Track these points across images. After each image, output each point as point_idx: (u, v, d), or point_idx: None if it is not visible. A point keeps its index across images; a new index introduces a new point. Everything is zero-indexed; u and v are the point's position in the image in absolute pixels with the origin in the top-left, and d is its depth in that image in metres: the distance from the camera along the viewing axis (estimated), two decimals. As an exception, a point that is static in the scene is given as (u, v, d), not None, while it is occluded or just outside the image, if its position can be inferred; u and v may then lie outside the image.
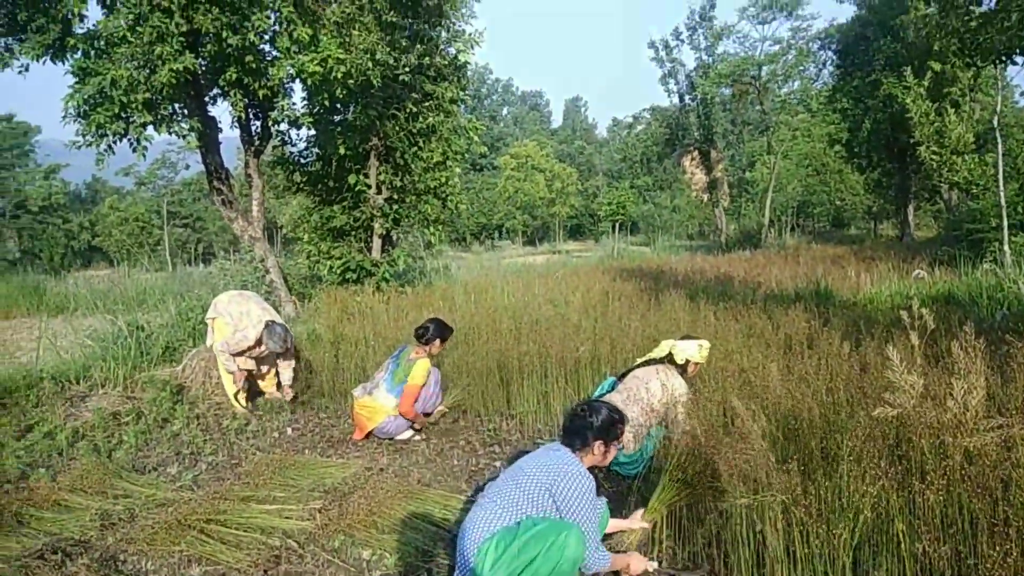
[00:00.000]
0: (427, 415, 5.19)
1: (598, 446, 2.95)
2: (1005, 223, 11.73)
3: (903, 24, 19.79)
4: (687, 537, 3.19)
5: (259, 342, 5.58)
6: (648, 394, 4.11)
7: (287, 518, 3.61)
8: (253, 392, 5.91)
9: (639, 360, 4.46)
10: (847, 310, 7.33)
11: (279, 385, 6.00)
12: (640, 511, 3.31)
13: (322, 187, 11.29)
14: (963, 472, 2.41)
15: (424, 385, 4.95)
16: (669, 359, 4.32)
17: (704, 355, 4.39)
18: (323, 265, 10.72)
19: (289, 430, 5.28)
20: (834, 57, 25.70)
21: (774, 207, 34.31)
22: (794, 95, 30.63)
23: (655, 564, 3.05)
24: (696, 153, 30.99)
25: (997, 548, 2.03)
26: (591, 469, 2.98)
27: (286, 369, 5.89)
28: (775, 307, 7.00)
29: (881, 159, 23.30)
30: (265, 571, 3.15)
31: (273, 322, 5.65)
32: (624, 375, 4.45)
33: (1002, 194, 11.94)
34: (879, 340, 4.30)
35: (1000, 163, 12.02)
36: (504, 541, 2.57)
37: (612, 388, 4.39)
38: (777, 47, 29.63)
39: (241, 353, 5.60)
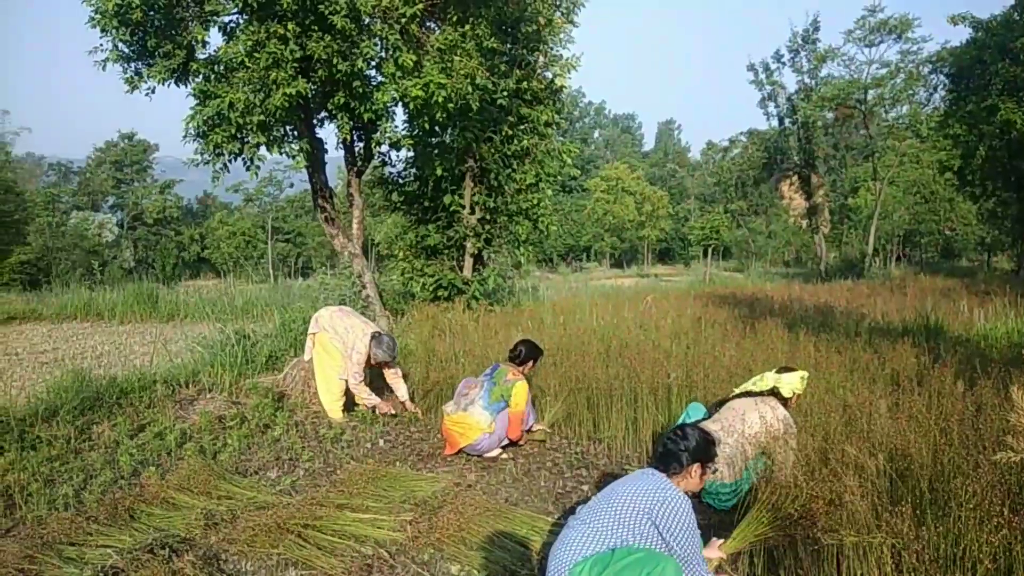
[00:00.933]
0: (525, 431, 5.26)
1: (695, 469, 2.90)
2: None
3: (1022, 47, 18.65)
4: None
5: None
6: (744, 425, 4.00)
7: (379, 528, 3.69)
8: (348, 403, 6.08)
9: (736, 391, 4.35)
10: (960, 346, 6.91)
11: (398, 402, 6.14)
12: (720, 541, 3.22)
13: (418, 207, 11.60)
14: (1097, 527, 2.23)
15: (527, 408, 5.07)
16: (773, 392, 4.20)
17: (804, 386, 4.25)
18: (416, 282, 10.98)
19: (381, 442, 5.40)
20: (946, 81, 24.45)
21: (879, 235, 32.81)
22: (902, 120, 29.30)
23: None
24: (795, 178, 30.07)
25: None
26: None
27: (398, 382, 6.00)
28: (881, 340, 6.69)
29: (996, 188, 21.98)
30: (358, 579, 3.23)
31: (380, 332, 5.86)
32: (719, 404, 4.35)
33: None
34: (996, 379, 4.04)
35: None
36: (598, 567, 2.54)
37: (706, 416, 4.31)
38: (885, 70, 28.44)
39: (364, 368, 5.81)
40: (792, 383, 4.18)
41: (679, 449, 2.91)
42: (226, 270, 40.88)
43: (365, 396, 5.83)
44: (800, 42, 29.41)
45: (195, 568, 3.21)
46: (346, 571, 3.27)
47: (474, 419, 4.91)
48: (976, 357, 5.85)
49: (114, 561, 3.28)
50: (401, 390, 6.00)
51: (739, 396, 4.27)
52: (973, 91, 21.54)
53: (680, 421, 4.36)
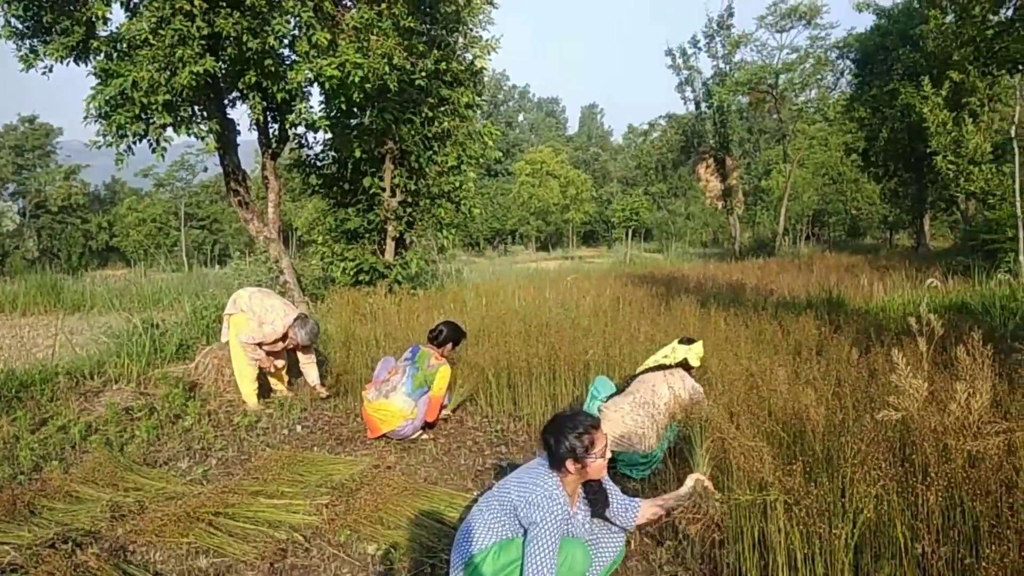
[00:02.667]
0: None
1: (570, 464, 2.61)
2: (1021, 234, 11.64)
3: (922, 34, 19.70)
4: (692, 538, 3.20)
5: (285, 336, 5.66)
6: (656, 397, 4.13)
7: (294, 513, 3.65)
8: (263, 389, 5.96)
9: (648, 363, 4.48)
10: (858, 318, 7.30)
11: (310, 386, 6.03)
12: (693, 475, 2.99)
13: (337, 190, 11.39)
14: (965, 475, 2.42)
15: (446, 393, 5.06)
16: (682, 363, 4.37)
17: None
18: (336, 267, 10.80)
19: (299, 427, 5.33)
20: (852, 66, 25.63)
21: (789, 215, 34.18)
22: (811, 104, 30.56)
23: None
24: (711, 160, 30.97)
25: (996, 549, 2.03)
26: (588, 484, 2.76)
27: (311, 368, 5.90)
28: (786, 314, 6.99)
29: (898, 169, 23.19)
30: (271, 564, 3.19)
31: (306, 315, 5.77)
32: (632, 378, 4.48)
33: (1018, 205, 11.85)
34: (888, 347, 4.30)
35: (1017, 174, 11.93)
36: (485, 559, 2.57)
37: (616, 390, 4.42)
38: (795, 56, 29.57)
39: (263, 345, 5.68)
40: (698, 352, 4.38)
41: (549, 444, 2.67)
42: (136, 259, 39.20)
43: (250, 351, 5.61)
44: (715, 28, 30.22)
45: (100, 561, 3.10)
46: (259, 556, 3.22)
47: (396, 406, 4.83)
48: (872, 327, 6.20)
49: (12, 558, 3.14)
50: (312, 375, 5.90)
51: (651, 369, 4.40)
52: (877, 76, 22.64)
53: (589, 396, 4.44)
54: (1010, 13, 7.54)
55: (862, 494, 2.41)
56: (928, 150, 17.83)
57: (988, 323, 7.30)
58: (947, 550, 2.34)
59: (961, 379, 2.75)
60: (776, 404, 3.43)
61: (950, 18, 15.88)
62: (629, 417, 4.08)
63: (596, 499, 2.77)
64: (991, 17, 7.87)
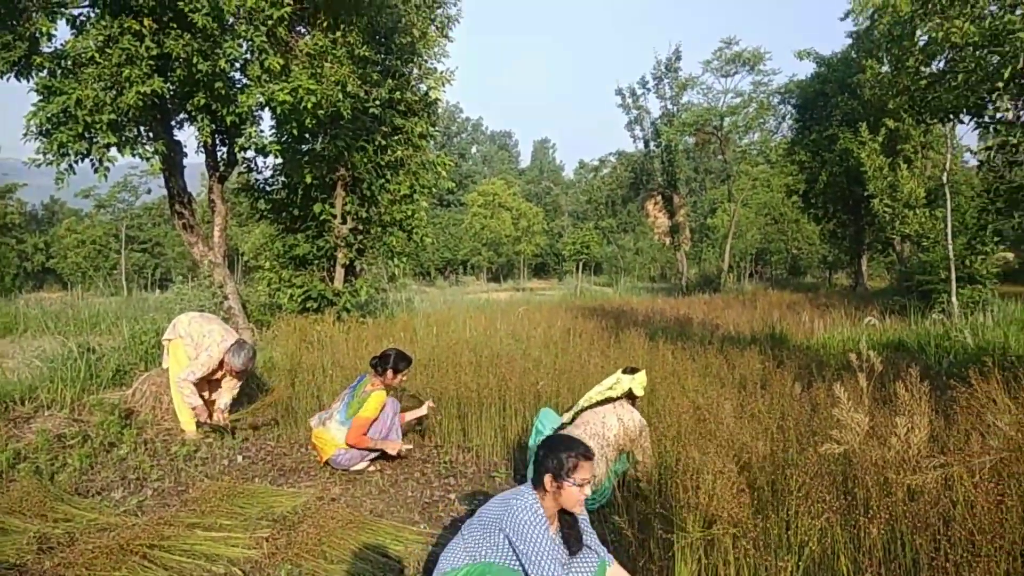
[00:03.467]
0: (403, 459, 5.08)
1: (547, 480, 2.69)
2: (953, 275, 12.14)
3: (859, 82, 20.62)
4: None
5: (221, 363, 5.49)
6: (605, 429, 4.14)
7: (233, 546, 3.52)
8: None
9: (592, 395, 4.46)
10: (800, 353, 7.49)
11: (214, 408, 5.78)
12: None
13: (286, 215, 11.23)
14: (905, 508, 2.48)
15: (375, 419, 4.82)
16: (628, 394, 4.38)
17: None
18: (284, 293, 10.61)
19: (239, 458, 5.16)
20: (793, 111, 26.59)
21: (733, 253, 35.03)
22: (754, 146, 31.61)
23: None
24: (659, 198, 31.62)
25: (935, 582, 2.08)
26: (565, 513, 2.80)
27: (228, 392, 5.69)
28: (731, 348, 7.12)
29: (836, 210, 24.04)
30: (208, 600, 3.06)
31: (243, 341, 5.58)
32: (579, 411, 4.47)
33: (950, 248, 12.38)
34: (829, 382, 4.41)
35: (949, 218, 12.48)
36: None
37: (565, 422, 4.42)
38: (739, 100, 30.60)
39: (204, 378, 5.48)
40: (642, 381, 4.39)
41: (535, 461, 2.78)
42: (74, 281, 37.80)
43: (188, 394, 5.36)
44: (663, 70, 31.07)
45: (23, 598, 2.93)
46: (195, 592, 3.09)
47: (330, 434, 4.77)
48: (814, 363, 6.36)
49: (-76, 596, 2.94)
50: (224, 398, 5.67)
51: (598, 404, 4.40)
52: (816, 121, 23.55)
53: (534, 429, 4.42)
54: (942, 65, 7.96)
55: (807, 527, 2.45)
56: (865, 193, 18.54)
57: (924, 361, 7.57)
58: (889, 582, 2.38)
59: (900, 414, 2.83)
60: (722, 436, 3.47)
61: (886, 68, 16.69)
62: None
63: (570, 535, 2.77)
64: (924, 69, 8.30)
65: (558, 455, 2.68)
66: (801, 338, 9.72)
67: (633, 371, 4.46)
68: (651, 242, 42.75)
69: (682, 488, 3.30)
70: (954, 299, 11.90)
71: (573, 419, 4.46)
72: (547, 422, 4.40)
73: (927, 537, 2.34)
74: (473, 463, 5.19)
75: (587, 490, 2.70)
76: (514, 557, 2.62)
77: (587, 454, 2.71)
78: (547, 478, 2.68)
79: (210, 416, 5.62)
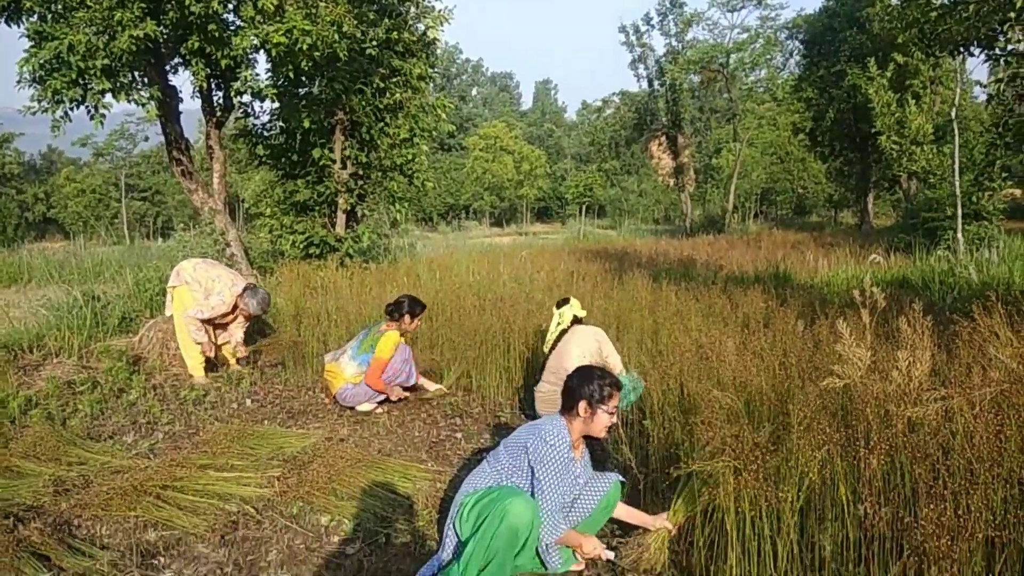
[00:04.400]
0: (408, 389, 5.16)
1: (582, 407, 2.83)
2: (959, 212, 12.05)
3: (868, 16, 20.10)
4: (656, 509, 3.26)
5: (234, 307, 5.56)
6: (566, 360, 4.38)
7: (245, 486, 3.60)
8: (210, 363, 5.83)
9: (551, 338, 4.77)
10: (804, 292, 7.49)
11: (231, 345, 5.94)
12: (664, 514, 3.00)
13: (285, 161, 11.11)
14: (905, 439, 2.51)
15: (390, 359, 4.91)
16: (575, 320, 4.73)
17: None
18: (285, 240, 10.59)
19: (248, 401, 5.23)
20: (801, 47, 26.02)
21: (738, 194, 34.75)
22: (761, 83, 30.96)
23: (611, 555, 2.87)
24: (663, 138, 31.14)
25: (933, 509, 2.12)
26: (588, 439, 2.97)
27: (239, 329, 5.82)
28: (735, 288, 7.13)
29: (843, 148, 23.74)
30: (222, 536, 3.14)
31: (255, 284, 5.69)
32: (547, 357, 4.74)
33: (957, 184, 12.24)
34: (832, 319, 4.41)
35: (956, 154, 12.32)
36: (480, 499, 2.67)
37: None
38: (745, 35, 29.84)
39: (211, 320, 5.56)
40: (576, 305, 4.80)
41: (567, 387, 2.91)
42: (76, 231, 37.74)
43: (194, 330, 5.48)
44: (668, 5, 30.23)
45: (43, 535, 3.01)
46: (210, 529, 3.17)
47: (340, 368, 4.91)
48: (817, 301, 6.36)
49: (-53, 535, 3.02)
50: (238, 335, 5.82)
51: (559, 337, 4.70)
52: (824, 57, 23.04)
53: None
54: (953, -5, 7.73)
55: (807, 458, 2.49)
56: (873, 130, 18.25)
57: (928, 297, 7.58)
58: (888, 511, 2.42)
59: (902, 348, 2.84)
60: (725, 374, 3.50)
61: (895, 0, 16.23)
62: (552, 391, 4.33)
63: (595, 455, 3.03)
64: (933, 0, 8.06)
65: (592, 383, 2.84)
66: (805, 277, 9.71)
67: (565, 302, 4.82)
68: (655, 184, 42.39)
69: (683, 424, 3.36)
70: (960, 236, 11.84)
71: (543, 366, 4.71)
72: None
73: (926, 467, 2.37)
74: (479, 404, 5.26)
75: (615, 418, 2.89)
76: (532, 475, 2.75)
77: (618, 385, 2.91)
78: (582, 404, 2.83)
79: (217, 354, 5.78)
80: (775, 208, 42.95)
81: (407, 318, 5.02)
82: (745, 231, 24.88)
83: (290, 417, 4.92)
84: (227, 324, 5.77)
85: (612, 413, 2.87)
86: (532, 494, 2.72)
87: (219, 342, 5.86)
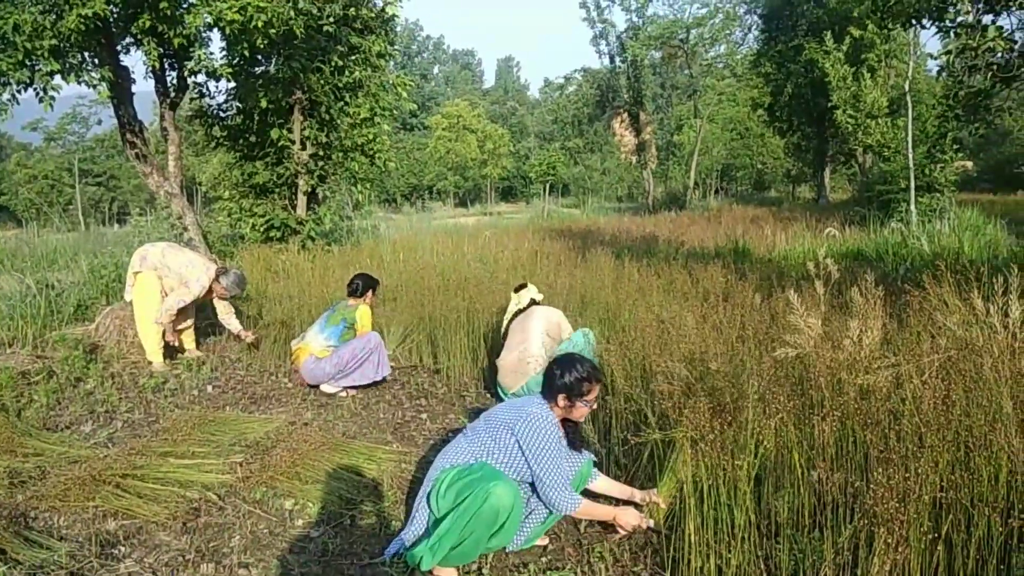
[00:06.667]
0: (378, 383, 5.15)
1: (562, 399, 2.82)
2: (912, 184, 12.31)
3: (825, -11, 20.32)
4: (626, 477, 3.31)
5: (210, 290, 5.56)
6: (544, 324, 4.63)
7: (207, 472, 3.56)
8: (170, 350, 5.74)
9: (511, 313, 4.91)
10: (762, 266, 7.62)
11: (231, 335, 5.99)
12: (654, 489, 3.02)
13: (243, 142, 10.91)
14: (856, 407, 2.58)
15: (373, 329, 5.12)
16: (532, 303, 4.88)
17: None
18: (245, 223, 10.43)
19: (209, 388, 5.17)
20: (759, 22, 26.17)
21: (699, 170, 35.04)
22: (720, 59, 31.14)
23: (650, 522, 2.85)
24: (626, 115, 31.17)
25: (883, 472, 2.19)
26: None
27: (231, 317, 5.79)
28: (695, 263, 7.21)
29: (801, 123, 24.03)
30: (184, 523, 3.11)
31: (227, 267, 5.70)
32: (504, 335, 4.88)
33: (911, 157, 12.50)
34: (788, 291, 4.51)
35: (910, 127, 12.55)
36: (459, 476, 2.65)
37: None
38: (705, 10, 29.91)
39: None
40: (533, 289, 4.97)
41: (549, 377, 2.88)
42: (28, 218, 36.63)
43: (166, 322, 5.47)
44: (629, -22, 30.12)
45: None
46: (171, 516, 3.14)
47: (306, 342, 5.02)
48: (775, 274, 6.48)
49: None
50: (234, 324, 5.81)
51: (515, 316, 4.84)
52: (782, 32, 23.25)
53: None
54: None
55: (762, 427, 2.55)
56: (829, 104, 18.52)
57: (881, 268, 7.76)
58: (840, 476, 2.50)
59: (854, 318, 2.92)
60: (684, 348, 3.55)
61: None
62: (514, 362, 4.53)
63: (573, 440, 2.94)
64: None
65: (573, 374, 2.80)
66: (763, 251, 9.87)
67: (522, 287, 4.99)
68: (618, 162, 42.45)
69: (646, 399, 3.41)
70: (913, 208, 12.11)
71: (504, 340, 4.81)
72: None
73: (877, 433, 2.45)
74: (444, 384, 5.27)
75: (595, 405, 2.89)
76: (520, 460, 2.72)
77: (599, 376, 2.89)
78: (561, 396, 2.82)
79: (178, 342, 5.76)
80: (735, 184, 43.39)
81: (369, 294, 5.24)
82: (706, 207, 25.12)
83: (253, 402, 4.87)
84: (188, 307, 5.67)
85: (591, 406, 2.88)
86: (516, 471, 2.72)
87: (187, 327, 5.81)
